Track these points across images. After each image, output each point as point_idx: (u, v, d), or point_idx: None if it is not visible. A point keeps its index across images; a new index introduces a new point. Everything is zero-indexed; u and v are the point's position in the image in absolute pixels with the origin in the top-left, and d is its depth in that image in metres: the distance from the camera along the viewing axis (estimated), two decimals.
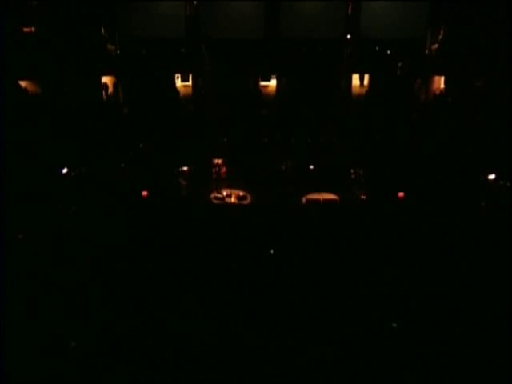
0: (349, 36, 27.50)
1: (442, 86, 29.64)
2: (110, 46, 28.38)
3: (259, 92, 30.37)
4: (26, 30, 27.19)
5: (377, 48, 28.56)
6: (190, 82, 29.98)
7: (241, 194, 25.58)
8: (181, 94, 30.34)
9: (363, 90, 30.21)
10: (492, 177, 24.80)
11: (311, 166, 27.85)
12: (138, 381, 14.37)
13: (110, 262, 19.78)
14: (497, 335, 15.69)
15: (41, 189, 23.09)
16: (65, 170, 25.14)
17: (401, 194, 24.27)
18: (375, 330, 16.63)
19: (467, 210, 22.77)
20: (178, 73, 30.34)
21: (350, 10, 26.81)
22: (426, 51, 28.28)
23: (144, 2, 26.01)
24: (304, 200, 25.20)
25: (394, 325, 16.61)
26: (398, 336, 16.35)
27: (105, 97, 29.60)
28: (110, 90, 29.90)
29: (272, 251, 20.84)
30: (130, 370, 14.53)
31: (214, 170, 27.63)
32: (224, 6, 26.26)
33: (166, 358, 15.83)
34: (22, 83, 27.86)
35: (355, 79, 29.98)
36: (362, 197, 25.47)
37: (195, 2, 26.71)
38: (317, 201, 25.04)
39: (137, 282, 18.85)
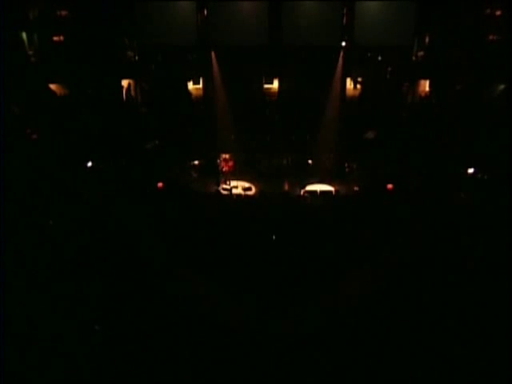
0: (344, 43, 27.29)
1: (427, 88, 29.51)
2: (129, 53, 28.47)
3: (263, 93, 30.25)
4: (55, 38, 27.50)
5: (369, 54, 28.34)
6: (200, 85, 29.78)
7: (246, 185, 26.17)
8: (192, 96, 30.08)
9: (356, 92, 29.88)
10: (471, 171, 24.78)
11: (309, 161, 28.00)
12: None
13: (129, 245, 19.83)
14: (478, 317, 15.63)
15: (68, 181, 23.41)
16: (89, 164, 25.42)
17: (390, 185, 24.45)
18: (364, 307, 16.86)
19: (449, 200, 22.83)
20: (189, 76, 29.88)
21: (345, 20, 26.72)
22: (413, 57, 28.00)
23: (159, 13, 26.13)
24: (303, 191, 25.49)
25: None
26: (382, 317, 16.49)
27: (125, 98, 29.75)
28: (129, 92, 29.96)
29: (274, 237, 20.92)
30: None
31: (222, 164, 28.13)
32: (231, 16, 26.35)
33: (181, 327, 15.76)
34: (52, 86, 28.17)
35: (349, 82, 29.61)
36: (355, 188, 25.78)
37: (205, 13, 26.74)
38: (314, 192, 25.40)
39: (153, 262, 19.12)
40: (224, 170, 27.75)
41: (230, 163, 28.11)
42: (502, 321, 14.90)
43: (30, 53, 27.62)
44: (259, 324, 16.46)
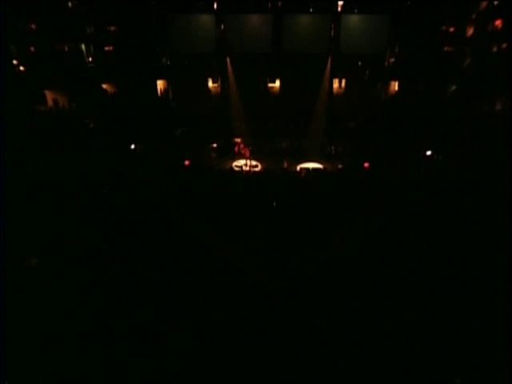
0: (331, 51, 27.98)
1: (396, 88, 30.04)
2: (163, 59, 29.13)
3: (267, 91, 30.68)
4: (107, 48, 28.35)
5: (351, 60, 28.72)
6: (218, 84, 30.22)
7: (254, 163, 27.01)
8: (212, 93, 30.46)
9: (341, 90, 30.29)
10: (429, 153, 25.95)
11: (304, 144, 28.56)
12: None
13: (163, 207, 21.03)
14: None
15: (116, 159, 24.78)
16: (132, 146, 26.47)
17: (366, 164, 25.83)
18: (343, 255, 17.59)
19: (412, 175, 24.24)
20: (209, 77, 30.36)
21: (332, 33, 27.39)
22: (386, 63, 28.80)
23: (186, 27, 26.91)
24: (298, 168, 26.61)
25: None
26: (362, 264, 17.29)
27: (159, 95, 30.32)
28: (163, 90, 30.53)
29: (275, 204, 21.94)
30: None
31: (234, 147, 28.95)
32: (242, 29, 27.17)
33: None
34: (104, 86, 29.02)
35: (335, 82, 29.87)
36: (339, 166, 26.70)
37: (222, 27, 27.47)
38: (307, 169, 26.52)
39: (181, 220, 20.07)
40: (236, 151, 28.50)
41: (241, 146, 28.75)
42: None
43: (88, 60, 28.62)
44: (262, 268, 17.39)
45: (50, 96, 27.69)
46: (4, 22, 22.59)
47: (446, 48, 28.04)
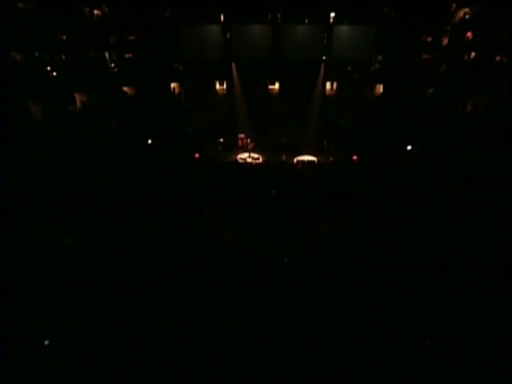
0: (324, 57, 28.78)
1: (381, 90, 30.68)
2: (176, 64, 29.87)
3: (268, 92, 31.26)
4: (127, 56, 29.23)
5: (342, 65, 29.44)
6: (224, 86, 30.87)
7: (256, 156, 28.01)
8: (219, 94, 31.08)
9: (333, 92, 31.06)
10: (409, 147, 27.31)
11: (300, 139, 29.69)
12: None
13: (176, 193, 22.64)
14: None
15: (134, 153, 26.20)
16: (149, 141, 27.62)
17: (355, 157, 26.86)
18: (336, 239, 19.26)
19: (394, 166, 25.49)
20: (217, 80, 30.80)
21: (325, 41, 28.19)
22: (372, 68, 29.56)
23: (196, 36, 27.73)
24: (295, 160, 27.54)
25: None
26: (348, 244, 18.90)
27: (173, 96, 30.82)
28: (176, 91, 31.13)
29: (274, 191, 23.26)
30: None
31: (239, 142, 30.04)
32: (245, 37, 27.94)
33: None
34: (125, 88, 29.85)
35: (328, 84, 30.72)
36: (331, 159, 27.71)
37: (228, 35, 28.26)
38: (302, 161, 27.52)
39: (191, 204, 21.85)
40: (240, 145, 29.74)
41: (245, 141, 29.72)
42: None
43: (110, 66, 29.59)
44: (263, 247, 18.99)
45: (78, 98, 28.81)
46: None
47: (424, 55, 29.16)
